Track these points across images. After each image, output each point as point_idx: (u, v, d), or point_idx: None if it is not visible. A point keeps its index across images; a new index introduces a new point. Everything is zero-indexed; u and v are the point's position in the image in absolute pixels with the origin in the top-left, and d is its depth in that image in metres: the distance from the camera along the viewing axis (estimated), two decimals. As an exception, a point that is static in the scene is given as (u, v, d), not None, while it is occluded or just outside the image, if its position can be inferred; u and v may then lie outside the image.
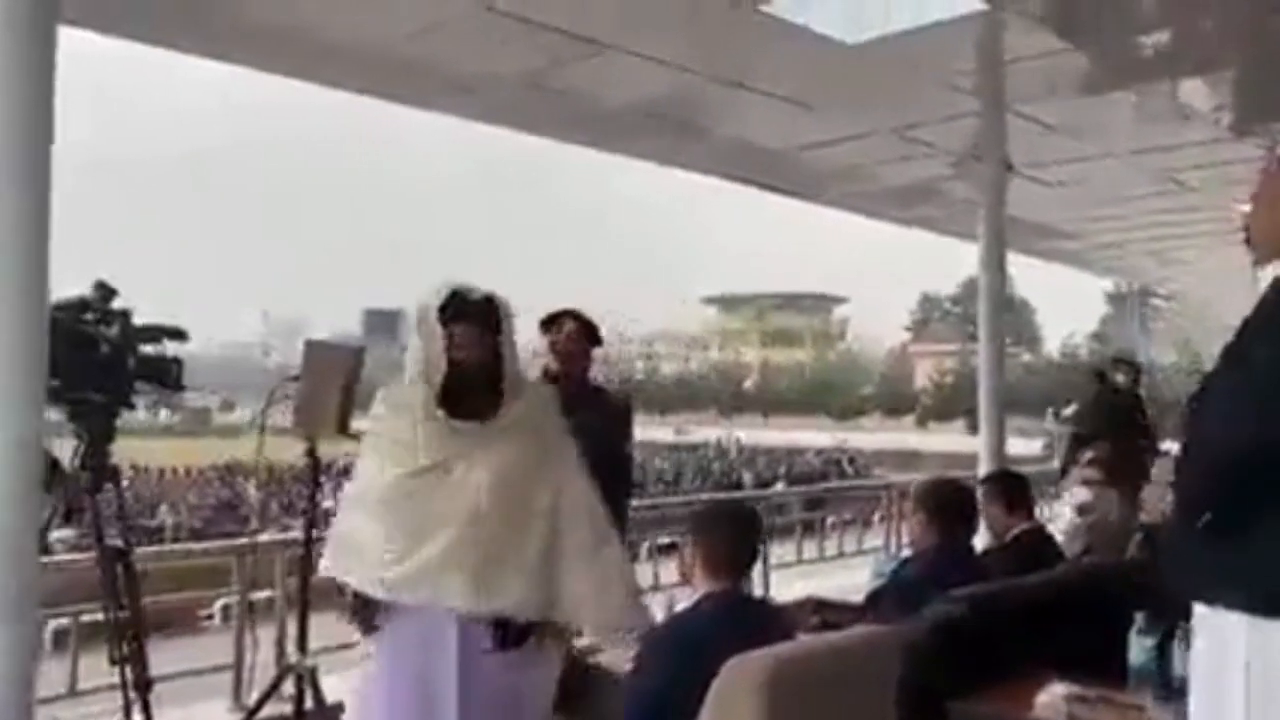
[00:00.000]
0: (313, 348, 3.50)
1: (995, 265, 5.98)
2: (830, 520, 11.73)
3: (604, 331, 4.36)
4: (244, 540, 5.13)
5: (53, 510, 2.99)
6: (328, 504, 3.68)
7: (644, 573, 8.61)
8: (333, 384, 3.35)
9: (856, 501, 13.06)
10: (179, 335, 3.23)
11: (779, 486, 25.99)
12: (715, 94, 4.97)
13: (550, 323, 4.05)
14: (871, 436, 53.89)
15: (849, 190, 6.93)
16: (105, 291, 3.12)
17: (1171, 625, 2.52)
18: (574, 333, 4.04)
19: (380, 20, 4.07)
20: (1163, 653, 2.47)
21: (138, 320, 3.14)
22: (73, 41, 2.91)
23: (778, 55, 4.39)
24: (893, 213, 8.10)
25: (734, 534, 2.67)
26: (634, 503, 5.44)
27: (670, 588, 6.30)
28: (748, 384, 72.79)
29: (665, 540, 8.44)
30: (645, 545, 9.80)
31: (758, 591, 6.29)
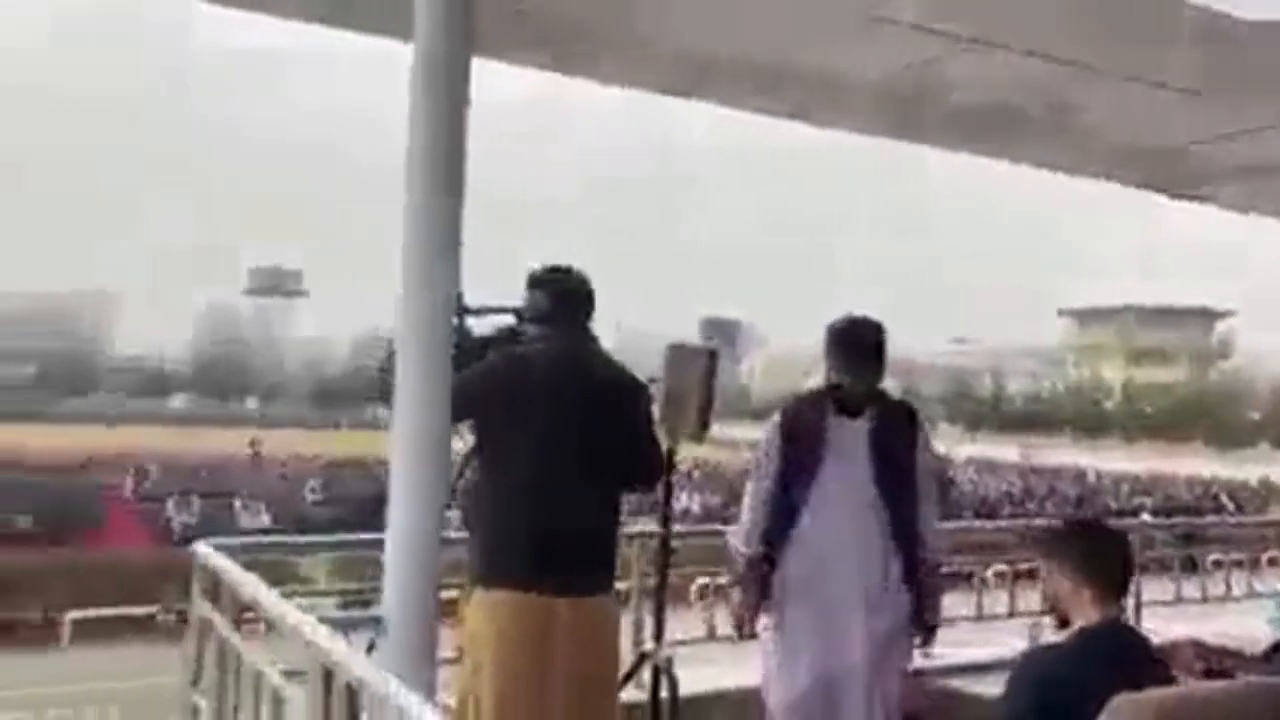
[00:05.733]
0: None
1: None
2: (1212, 559, 10.83)
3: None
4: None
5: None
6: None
7: (999, 599, 8.30)
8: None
9: (1241, 541, 12.16)
10: None
11: (1145, 518, 23.78)
12: (1086, 86, 4.61)
13: None
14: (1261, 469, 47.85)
15: (1252, 190, 6.16)
16: None
17: None
18: None
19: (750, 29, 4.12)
20: None
21: None
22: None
23: (1157, 38, 4.01)
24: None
25: (1112, 554, 2.44)
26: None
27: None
28: (1108, 405, 67.23)
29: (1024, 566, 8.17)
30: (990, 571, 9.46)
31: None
